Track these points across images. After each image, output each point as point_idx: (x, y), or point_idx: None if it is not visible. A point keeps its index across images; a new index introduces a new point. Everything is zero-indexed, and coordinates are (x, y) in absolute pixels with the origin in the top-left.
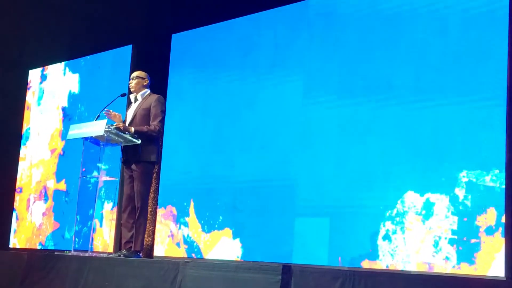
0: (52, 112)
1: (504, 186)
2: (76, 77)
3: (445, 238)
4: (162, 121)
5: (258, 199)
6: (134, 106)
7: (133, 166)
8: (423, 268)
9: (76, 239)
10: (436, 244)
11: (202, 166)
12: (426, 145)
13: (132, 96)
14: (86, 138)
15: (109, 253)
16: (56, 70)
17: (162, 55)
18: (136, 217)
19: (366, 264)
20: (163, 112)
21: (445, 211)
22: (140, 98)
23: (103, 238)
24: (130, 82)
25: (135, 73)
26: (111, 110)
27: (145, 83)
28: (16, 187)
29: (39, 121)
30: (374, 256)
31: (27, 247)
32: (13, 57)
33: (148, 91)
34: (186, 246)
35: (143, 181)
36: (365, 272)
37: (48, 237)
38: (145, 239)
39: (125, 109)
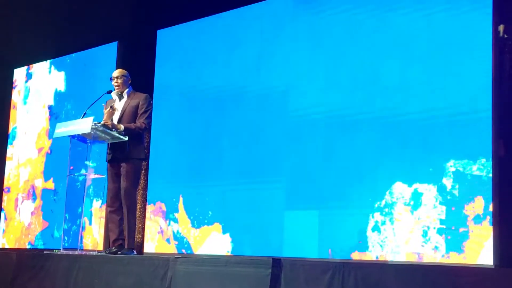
0: (39, 111)
1: (491, 175)
2: (61, 75)
3: (434, 228)
4: (149, 118)
5: (247, 193)
6: (121, 103)
7: (121, 164)
8: (412, 258)
9: (66, 238)
10: (425, 234)
11: (191, 162)
12: (413, 136)
13: (115, 94)
14: (73, 136)
15: (99, 251)
16: (41, 68)
17: (148, 51)
18: (127, 216)
19: (356, 256)
20: (150, 110)
21: (433, 201)
22: (126, 95)
23: (93, 236)
24: (115, 81)
25: (119, 72)
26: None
27: (129, 81)
28: (4, 187)
29: (26, 120)
30: (363, 247)
31: (16, 247)
32: None
33: (131, 88)
34: (176, 242)
35: (132, 178)
36: (355, 264)
37: (37, 236)
38: (135, 236)
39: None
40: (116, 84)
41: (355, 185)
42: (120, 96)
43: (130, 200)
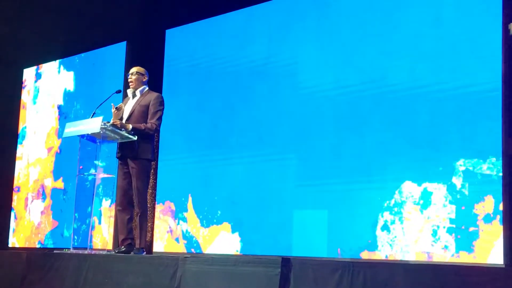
0: (48, 111)
1: (501, 174)
2: (71, 75)
3: (444, 227)
4: (160, 119)
5: (256, 192)
6: (132, 102)
7: (130, 163)
8: (422, 258)
9: (75, 237)
10: (434, 233)
11: (199, 161)
12: (423, 135)
13: (130, 91)
14: (82, 136)
15: (108, 250)
16: (50, 68)
17: (156, 51)
18: (138, 215)
19: (365, 255)
20: (162, 110)
21: (443, 200)
22: (139, 94)
23: (102, 235)
24: (129, 77)
25: (135, 69)
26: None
27: (144, 79)
28: (14, 186)
29: (35, 119)
30: (373, 246)
31: (26, 246)
32: (7, 56)
33: (147, 87)
34: (185, 241)
35: (142, 178)
36: (364, 263)
37: (47, 235)
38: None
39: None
40: (129, 80)
41: (364, 184)
42: (134, 94)
43: (141, 200)
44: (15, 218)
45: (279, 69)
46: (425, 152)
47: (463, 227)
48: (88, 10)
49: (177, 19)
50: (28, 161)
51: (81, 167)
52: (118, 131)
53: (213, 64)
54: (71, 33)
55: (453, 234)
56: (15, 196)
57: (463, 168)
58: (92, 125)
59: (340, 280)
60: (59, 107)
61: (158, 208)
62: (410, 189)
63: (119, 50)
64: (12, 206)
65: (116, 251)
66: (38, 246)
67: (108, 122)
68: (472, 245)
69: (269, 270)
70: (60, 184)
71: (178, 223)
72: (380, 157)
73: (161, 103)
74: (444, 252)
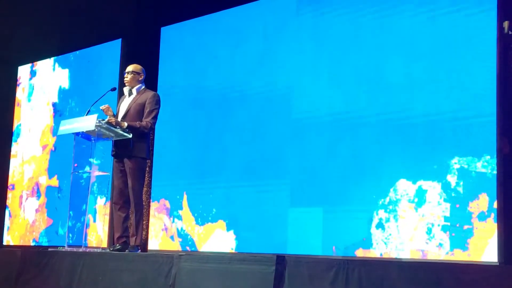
0: (43, 108)
1: (495, 172)
2: (65, 72)
3: (438, 225)
4: (155, 118)
5: (251, 190)
6: (128, 100)
7: (126, 162)
8: (416, 256)
9: (70, 235)
10: (429, 231)
11: (195, 159)
12: (418, 133)
13: (126, 90)
14: (77, 134)
15: (103, 248)
16: (45, 65)
17: (151, 49)
18: (134, 214)
19: (360, 253)
20: (157, 109)
21: (437, 198)
22: (135, 92)
23: (97, 233)
24: (125, 76)
25: (130, 67)
26: (104, 107)
27: (140, 78)
28: (8, 184)
29: (30, 117)
30: (368, 244)
31: (20, 244)
32: (1, 53)
33: (143, 86)
34: (180, 239)
35: (137, 177)
36: (359, 261)
37: (42, 233)
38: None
39: (115, 102)
40: (125, 79)
41: (359, 182)
42: (130, 93)
43: (136, 198)
44: (10, 216)
45: (274, 67)
46: (419, 150)
47: (457, 225)
48: (83, 8)
49: (172, 17)
50: (22, 159)
51: (76, 165)
52: (113, 128)
53: (208, 62)
54: (66, 30)
55: (448, 232)
56: (9, 194)
57: (457, 166)
58: (87, 122)
59: (335, 278)
60: (54, 104)
61: (153, 206)
62: (405, 187)
63: (114, 47)
64: (7, 204)
65: (111, 249)
66: (32, 244)
67: (103, 120)
68: (466, 243)
69: (264, 268)
70: (54, 182)
71: (173, 221)
72: (374, 155)
73: (157, 102)
74: (438, 250)
